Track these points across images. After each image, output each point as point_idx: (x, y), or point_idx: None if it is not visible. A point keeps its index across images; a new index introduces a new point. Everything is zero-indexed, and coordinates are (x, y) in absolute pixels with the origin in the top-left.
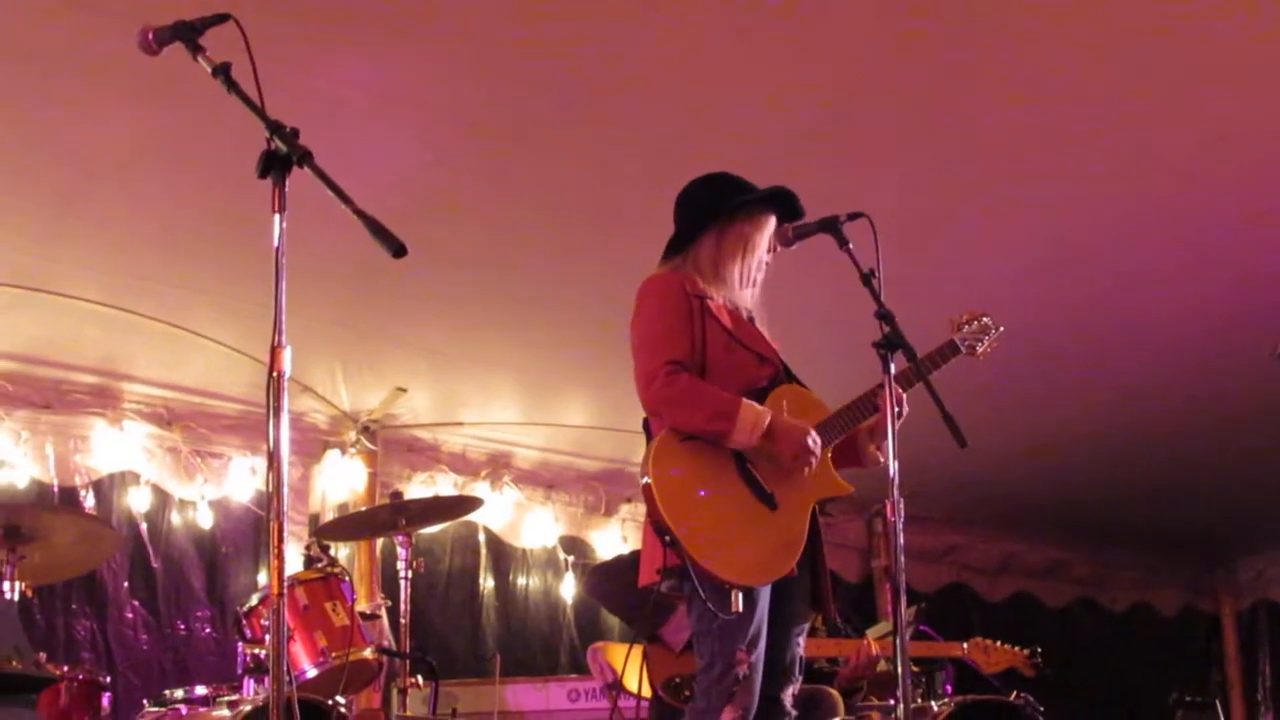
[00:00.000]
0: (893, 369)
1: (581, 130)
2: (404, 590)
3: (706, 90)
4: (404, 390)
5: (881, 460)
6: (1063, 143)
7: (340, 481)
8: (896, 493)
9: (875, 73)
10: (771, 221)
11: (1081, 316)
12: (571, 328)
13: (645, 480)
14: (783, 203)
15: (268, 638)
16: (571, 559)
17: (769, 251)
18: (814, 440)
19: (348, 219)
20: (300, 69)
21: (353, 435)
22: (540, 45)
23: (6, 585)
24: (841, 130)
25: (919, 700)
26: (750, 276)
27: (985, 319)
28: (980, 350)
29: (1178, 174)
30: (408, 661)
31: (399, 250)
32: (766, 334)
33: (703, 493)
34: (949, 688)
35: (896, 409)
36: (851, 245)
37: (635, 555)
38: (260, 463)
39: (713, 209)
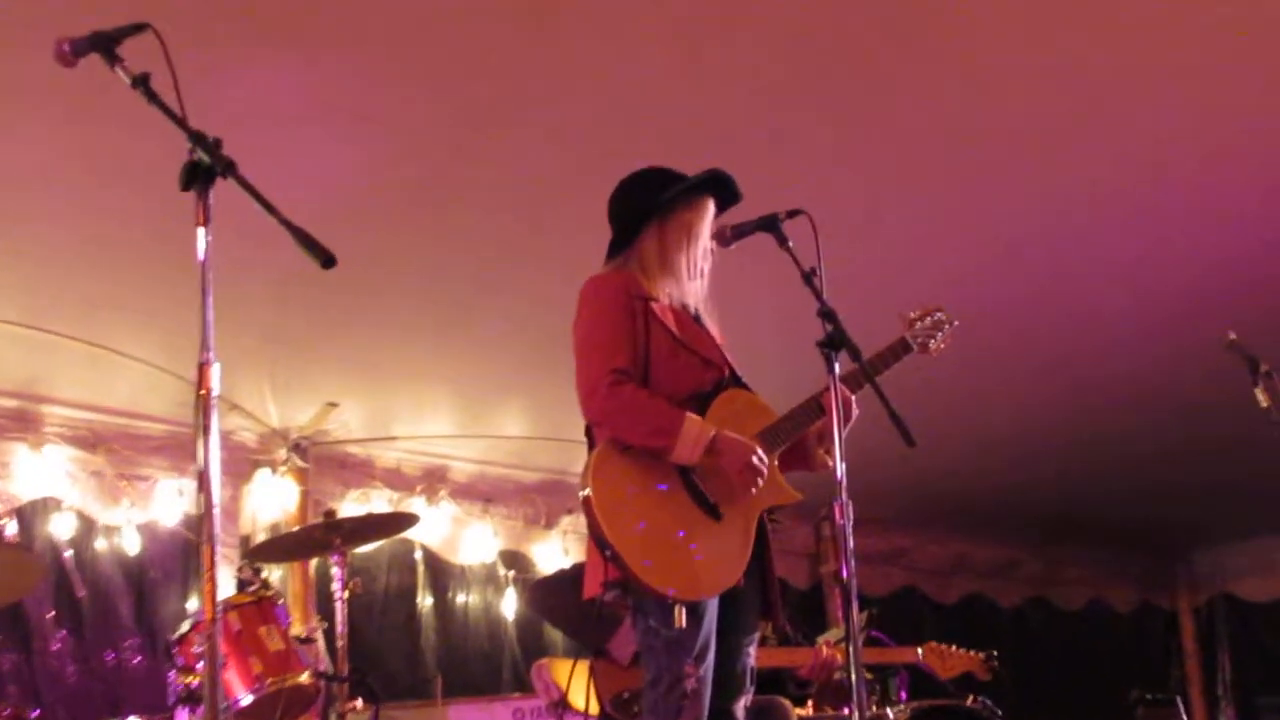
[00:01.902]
0: (838, 369)
1: (515, 136)
2: (340, 611)
3: (642, 93)
4: (335, 405)
5: (830, 464)
6: (1011, 135)
7: (271, 501)
8: (845, 495)
9: (812, 68)
10: (711, 206)
11: (1030, 311)
12: (506, 336)
13: (585, 492)
14: (720, 186)
15: (200, 665)
16: (512, 574)
17: (707, 251)
18: (759, 458)
19: (275, 230)
20: (222, 77)
21: (283, 453)
22: (471, 50)
23: None
24: (780, 126)
25: (874, 708)
26: (697, 266)
27: (939, 313)
28: (933, 346)
29: (1132, 165)
30: (346, 685)
31: (328, 261)
32: (715, 330)
33: (643, 505)
34: (904, 694)
35: (844, 412)
36: (792, 244)
37: (579, 568)
38: (188, 484)
39: (651, 202)
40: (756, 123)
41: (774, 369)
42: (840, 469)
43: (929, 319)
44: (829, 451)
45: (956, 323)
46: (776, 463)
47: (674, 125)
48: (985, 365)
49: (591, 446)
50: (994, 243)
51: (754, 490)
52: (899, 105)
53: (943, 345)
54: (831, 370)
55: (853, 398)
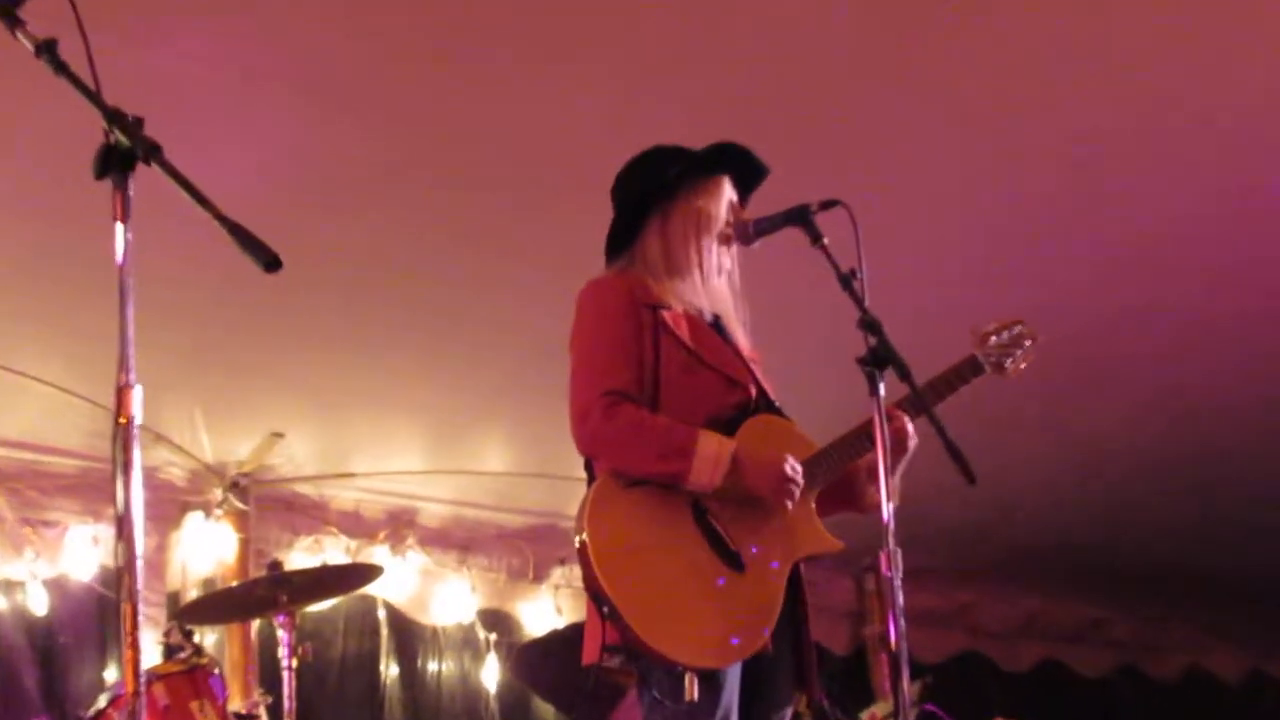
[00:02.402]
0: (883, 390)
1: (505, 102)
2: (288, 683)
3: (658, 56)
4: (281, 436)
5: (889, 502)
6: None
7: (205, 551)
8: (892, 542)
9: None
10: (725, 188)
11: (1131, 327)
12: (488, 350)
13: (579, 538)
14: (735, 162)
15: None
16: (494, 637)
17: (725, 243)
18: (793, 468)
19: (208, 227)
20: (145, 44)
21: (219, 493)
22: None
23: None
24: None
25: None
26: (713, 261)
27: (1018, 327)
28: (1010, 367)
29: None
30: None
31: (272, 263)
32: (743, 341)
33: (650, 553)
34: None
35: (898, 444)
36: (827, 241)
37: (574, 630)
38: (105, 531)
39: (649, 189)
40: (770, 111)
41: (811, 391)
42: (888, 511)
43: (1005, 334)
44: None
45: (1041, 338)
46: (814, 504)
47: (693, 93)
48: (1066, 383)
49: (591, 483)
50: (1089, 250)
51: (790, 505)
52: (965, 80)
53: (1022, 366)
54: (875, 392)
55: (909, 425)
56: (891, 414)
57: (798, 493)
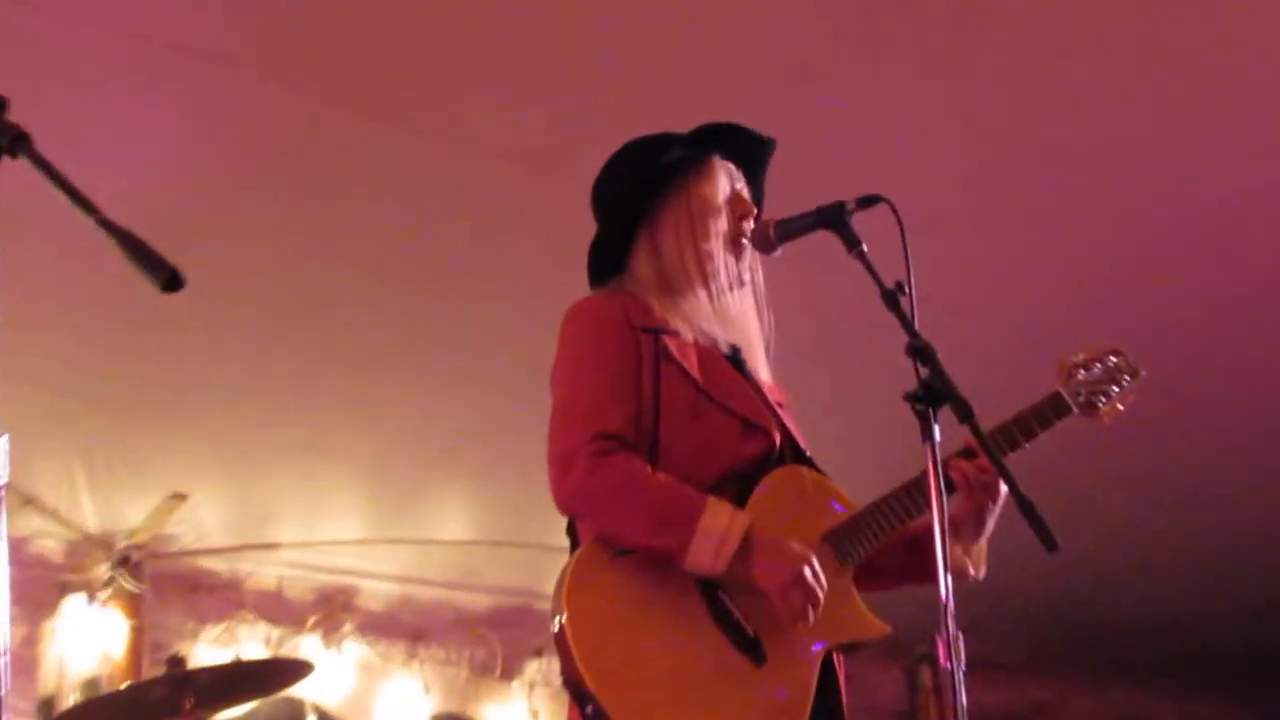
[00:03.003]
0: (937, 432)
1: (462, 75)
2: None
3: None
4: (183, 497)
5: (973, 571)
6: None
7: (87, 643)
8: (952, 625)
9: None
10: (721, 177)
11: (1243, 364)
12: (446, 387)
13: (558, 621)
14: (727, 141)
15: None
16: None
17: (738, 249)
18: (812, 572)
19: (91, 236)
20: (14, 5)
21: (104, 570)
22: None
23: None
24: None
25: None
26: (724, 271)
27: (1114, 358)
28: (1105, 408)
29: None
30: None
31: (171, 280)
32: (765, 375)
33: (645, 640)
34: None
35: (990, 491)
36: (867, 248)
37: None
38: None
39: (630, 191)
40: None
41: (848, 437)
42: (945, 587)
43: (1098, 367)
44: (970, 551)
45: (1144, 374)
46: (851, 578)
47: (694, 72)
48: (1171, 423)
49: (575, 551)
50: (1199, 289)
51: (806, 623)
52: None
53: (1119, 407)
54: (929, 435)
55: (987, 475)
56: (974, 457)
57: (812, 614)
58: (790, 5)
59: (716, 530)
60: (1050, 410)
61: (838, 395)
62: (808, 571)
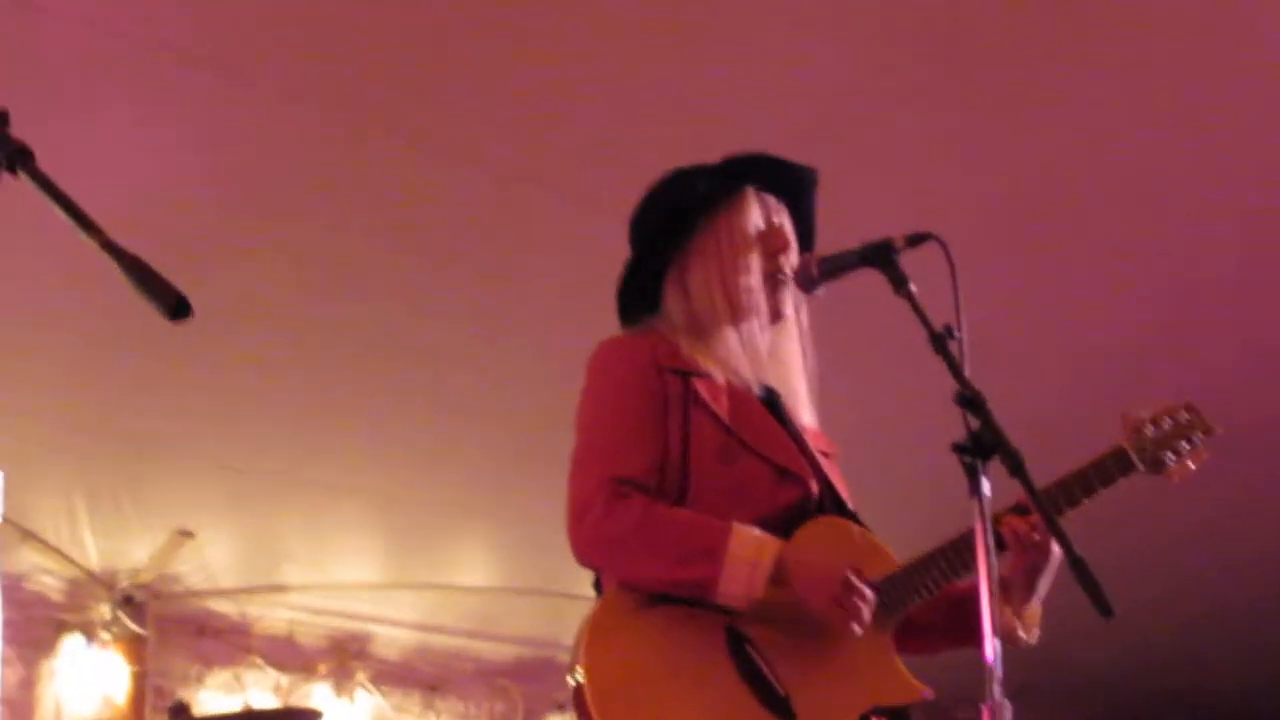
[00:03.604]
0: (986, 486)
1: (471, 104)
2: None
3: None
4: (190, 535)
5: (1024, 635)
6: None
7: (86, 687)
8: (998, 692)
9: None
10: (754, 209)
11: None
12: (468, 423)
13: (575, 677)
14: (769, 172)
15: None
16: None
17: (776, 285)
18: (856, 578)
19: (95, 258)
20: (16, 6)
21: (106, 610)
22: None
23: None
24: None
25: None
26: (758, 309)
27: (1184, 413)
28: (1173, 466)
29: None
30: None
31: (178, 308)
32: (807, 418)
33: (670, 697)
34: None
35: (1042, 550)
36: (915, 288)
37: None
38: None
39: (662, 226)
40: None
41: (890, 489)
42: (991, 650)
43: (1167, 422)
44: (1018, 613)
45: (1218, 431)
46: (892, 637)
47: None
48: (1246, 497)
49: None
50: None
51: (857, 631)
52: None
53: (1190, 465)
54: (977, 490)
55: (1035, 533)
56: (1028, 514)
57: (867, 613)
58: (835, 36)
59: (748, 555)
60: (1114, 466)
61: (880, 443)
62: (852, 575)
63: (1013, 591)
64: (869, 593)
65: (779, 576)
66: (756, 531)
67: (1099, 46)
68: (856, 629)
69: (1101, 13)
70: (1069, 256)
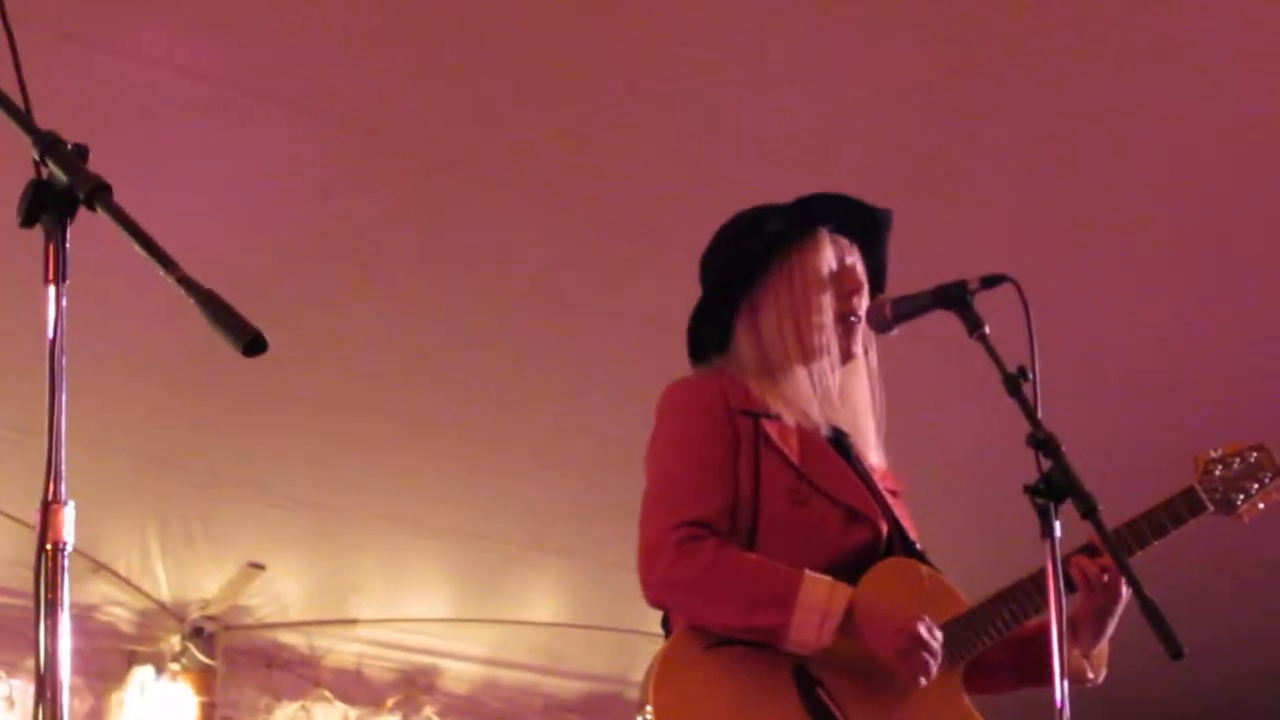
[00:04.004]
0: (1058, 528)
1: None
2: None
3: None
4: (260, 568)
5: (1091, 675)
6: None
7: (155, 718)
8: None
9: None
10: (828, 250)
11: None
12: (538, 461)
13: (644, 716)
14: (842, 213)
15: None
16: None
17: (848, 327)
18: (926, 629)
19: (170, 293)
20: (93, 45)
21: (176, 642)
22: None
23: None
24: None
25: None
26: (830, 350)
27: (1257, 455)
28: (1243, 507)
29: None
30: None
31: (253, 343)
32: (875, 459)
33: None
34: None
35: (1112, 594)
36: (988, 330)
37: None
38: (23, 688)
39: (735, 266)
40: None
41: (961, 531)
42: (1060, 692)
43: (1237, 463)
44: (1086, 654)
45: None
46: (961, 680)
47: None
48: None
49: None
50: None
51: (929, 679)
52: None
53: (1260, 507)
54: (1049, 532)
55: (1102, 572)
56: (1097, 555)
57: (934, 665)
58: (900, 76)
59: (817, 604)
60: (1184, 507)
61: (952, 484)
62: (922, 627)
63: (1082, 632)
64: (936, 645)
65: (849, 625)
66: (828, 580)
67: (1158, 80)
68: (923, 682)
69: (1163, 47)
70: (1131, 288)
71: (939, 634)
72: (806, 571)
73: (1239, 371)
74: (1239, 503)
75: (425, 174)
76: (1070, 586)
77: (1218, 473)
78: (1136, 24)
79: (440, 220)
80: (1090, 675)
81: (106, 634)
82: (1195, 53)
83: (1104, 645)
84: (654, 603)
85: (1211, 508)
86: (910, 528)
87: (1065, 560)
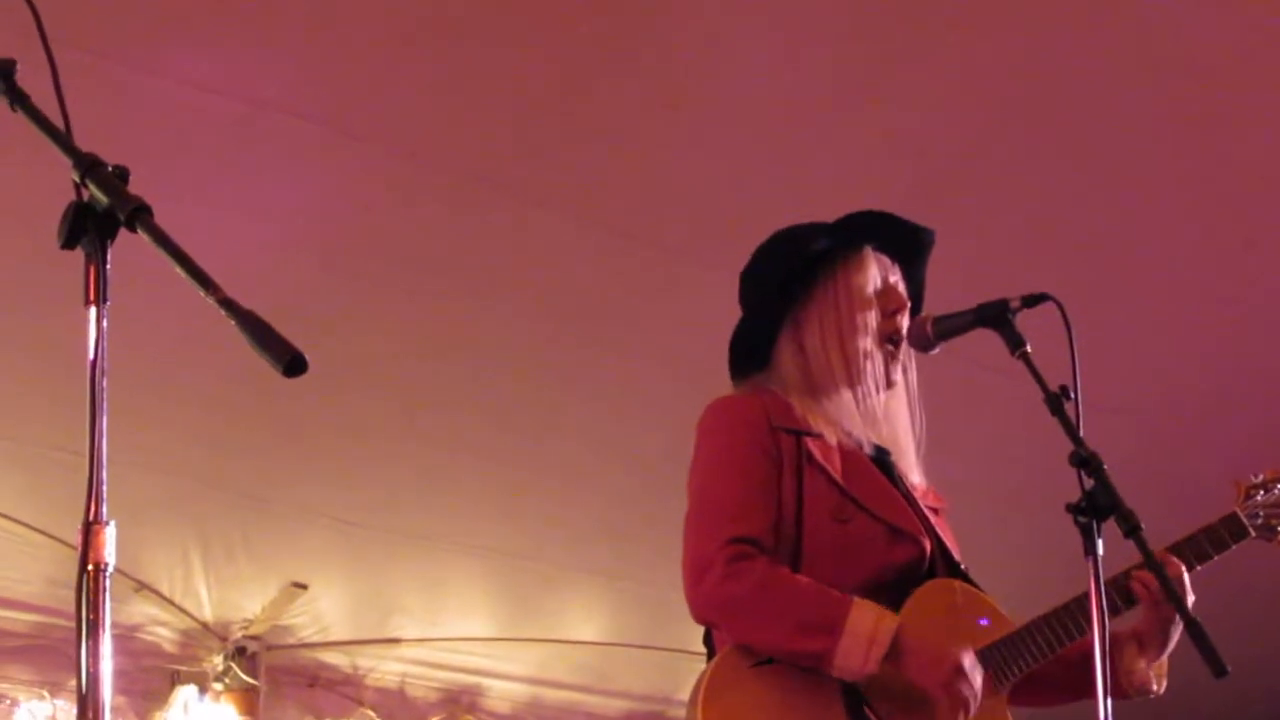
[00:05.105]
0: (1100, 546)
1: (588, 163)
2: None
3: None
4: (304, 587)
5: (1155, 687)
6: None
7: None
8: None
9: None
10: (873, 268)
11: None
12: (581, 479)
13: None
14: (885, 231)
15: None
16: None
17: (891, 346)
18: (969, 666)
19: (210, 313)
20: (135, 67)
21: (219, 661)
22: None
23: None
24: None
25: None
26: (873, 370)
27: None
28: None
29: None
30: None
31: (294, 363)
32: (916, 478)
33: None
34: None
35: (1166, 608)
36: (1030, 349)
37: None
38: (66, 708)
39: (777, 284)
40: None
41: (1004, 549)
42: (1104, 710)
43: (1278, 488)
44: (1150, 664)
45: None
46: (1006, 702)
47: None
48: None
49: (711, 659)
50: None
51: (968, 715)
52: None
53: None
54: (1092, 550)
55: (1184, 575)
56: (1165, 559)
57: (974, 704)
58: (936, 97)
59: (865, 631)
60: (1226, 532)
61: (996, 503)
62: (966, 661)
63: (1147, 644)
64: (978, 681)
65: (894, 653)
66: (876, 608)
67: (1190, 100)
68: (962, 717)
69: (1191, 68)
70: (1166, 306)
71: (980, 671)
72: (855, 599)
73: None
74: None
75: (464, 193)
76: (1132, 600)
77: (1259, 498)
78: (1169, 36)
79: (480, 239)
80: (1154, 687)
81: (150, 654)
82: (1228, 63)
83: (1165, 657)
84: (701, 620)
85: (1253, 534)
86: (953, 545)
87: (1127, 574)
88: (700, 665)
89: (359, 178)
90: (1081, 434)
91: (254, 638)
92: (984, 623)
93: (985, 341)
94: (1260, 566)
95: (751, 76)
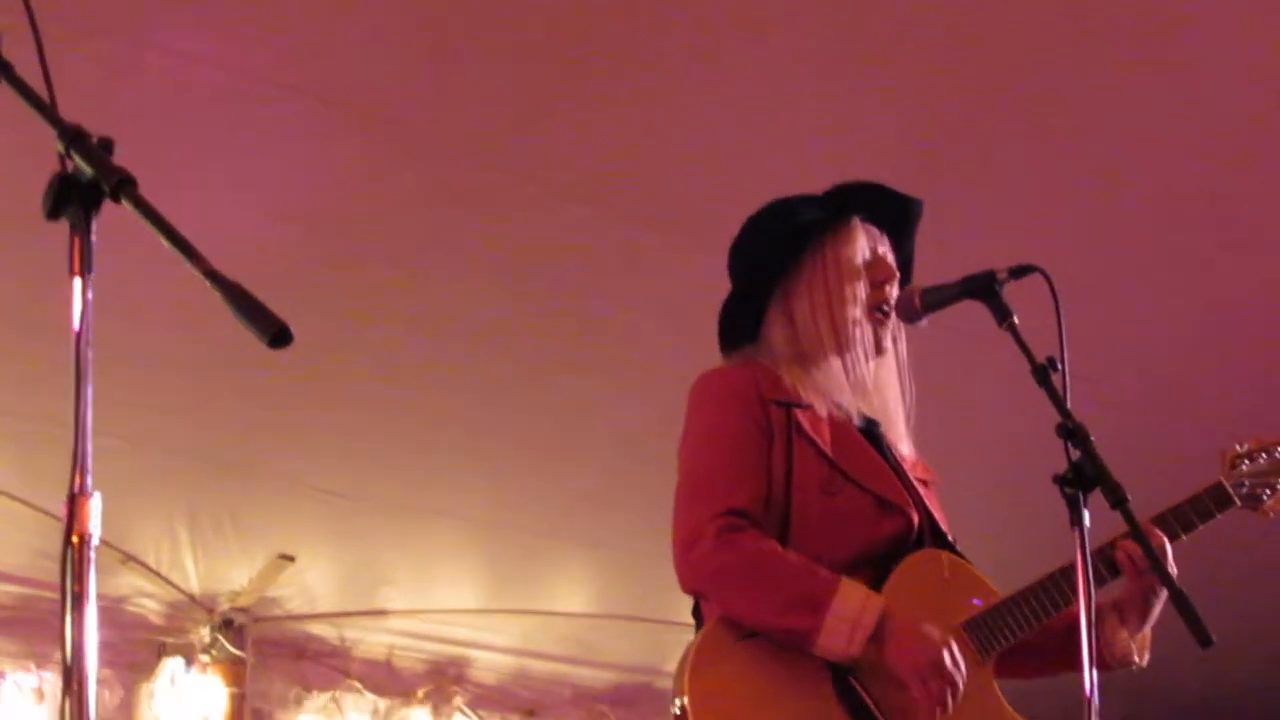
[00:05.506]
0: (1087, 517)
1: (580, 135)
2: None
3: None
4: (290, 559)
5: (1137, 659)
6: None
7: (186, 709)
8: None
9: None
10: (861, 239)
11: None
12: (568, 451)
13: (678, 704)
14: (866, 202)
15: None
16: None
17: (879, 318)
18: (950, 657)
19: (195, 285)
20: (119, 37)
21: (205, 633)
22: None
23: None
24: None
25: None
26: (861, 341)
27: None
28: (1270, 503)
29: None
30: None
31: (279, 335)
32: (905, 449)
33: None
34: None
35: (1148, 578)
36: (1017, 319)
37: None
38: (54, 680)
39: (766, 256)
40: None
41: (989, 521)
42: (1090, 681)
43: (1263, 458)
44: (1131, 634)
45: None
46: (992, 672)
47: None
48: None
49: (699, 630)
50: None
51: (945, 712)
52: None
53: None
54: (1078, 521)
55: (1167, 545)
56: (1148, 530)
57: (951, 701)
58: (937, 70)
59: (850, 613)
60: (1211, 502)
61: (982, 474)
62: (947, 656)
63: (1129, 615)
64: (957, 677)
65: (878, 637)
66: (863, 589)
67: (1195, 89)
68: (938, 713)
69: (1193, 56)
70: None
71: (963, 666)
72: (843, 578)
73: (1268, 364)
74: (1265, 499)
75: (450, 166)
76: (1116, 570)
77: (1244, 468)
78: (1162, 20)
79: (466, 213)
80: (1136, 659)
81: (136, 626)
82: (1222, 46)
83: (1148, 629)
84: (689, 590)
85: (1239, 503)
86: (941, 518)
87: (1112, 544)
88: (688, 637)
89: (344, 150)
90: (1069, 405)
91: (241, 610)
92: (976, 602)
93: (972, 312)
94: (1240, 537)
95: (740, 53)
